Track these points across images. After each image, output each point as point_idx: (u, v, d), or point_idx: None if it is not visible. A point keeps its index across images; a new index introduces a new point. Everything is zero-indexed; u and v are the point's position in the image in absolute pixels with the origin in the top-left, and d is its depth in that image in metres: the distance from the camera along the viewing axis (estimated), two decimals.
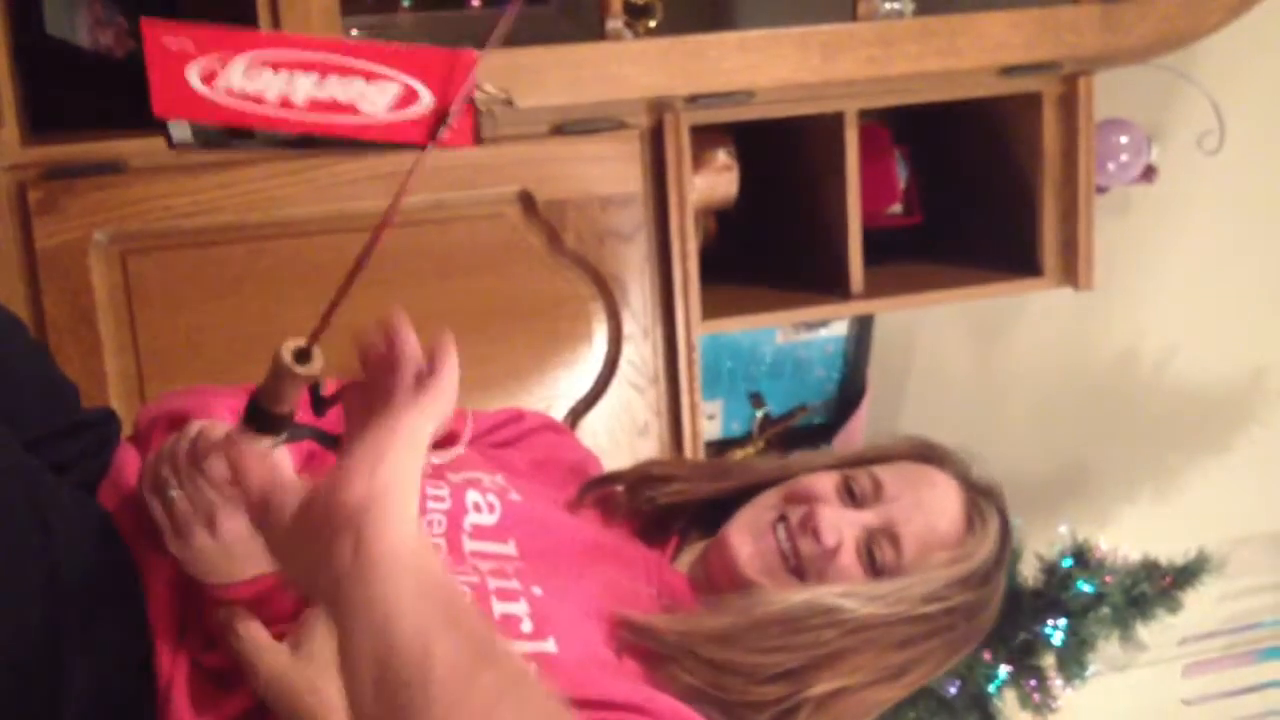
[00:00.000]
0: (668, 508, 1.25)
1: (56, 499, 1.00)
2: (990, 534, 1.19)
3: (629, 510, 1.25)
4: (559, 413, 1.84)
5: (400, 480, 0.75)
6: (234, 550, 0.95)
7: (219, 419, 1.01)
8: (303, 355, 0.88)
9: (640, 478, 1.28)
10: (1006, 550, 1.21)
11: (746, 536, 1.18)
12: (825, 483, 1.19)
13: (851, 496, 1.19)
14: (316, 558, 0.74)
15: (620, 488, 1.27)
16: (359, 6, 1.88)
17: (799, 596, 1.11)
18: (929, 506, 1.18)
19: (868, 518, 1.17)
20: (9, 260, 1.59)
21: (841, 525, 1.16)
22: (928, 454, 1.25)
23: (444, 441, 1.28)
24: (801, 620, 1.09)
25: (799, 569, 1.16)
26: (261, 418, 0.91)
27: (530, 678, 0.72)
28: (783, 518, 1.18)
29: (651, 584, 1.17)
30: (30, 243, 1.59)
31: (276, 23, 1.60)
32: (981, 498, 1.22)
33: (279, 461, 0.88)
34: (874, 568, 1.15)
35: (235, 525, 0.94)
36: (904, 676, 1.15)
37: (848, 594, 1.11)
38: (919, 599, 1.13)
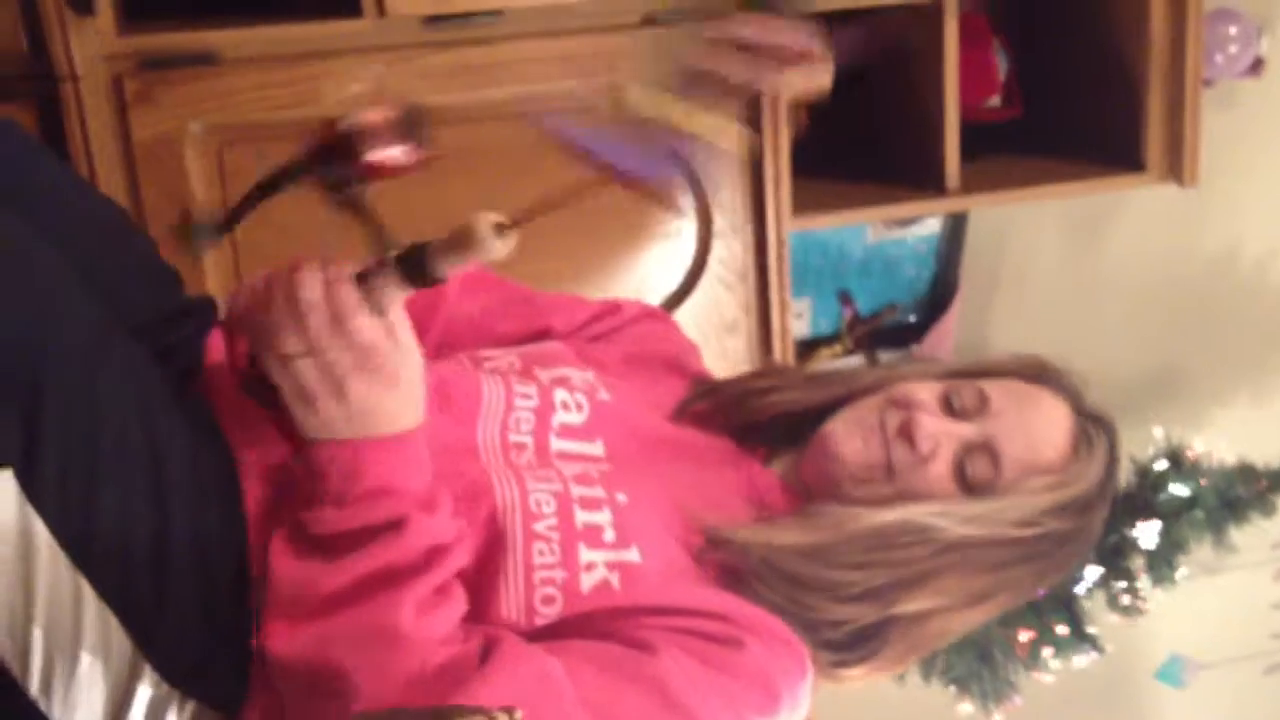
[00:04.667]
0: (767, 417, 1.23)
1: (165, 400, 1.00)
2: (1095, 463, 1.14)
3: (728, 417, 1.23)
4: None
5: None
6: (363, 417, 0.92)
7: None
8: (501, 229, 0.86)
9: (742, 390, 1.26)
10: (1111, 482, 1.16)
11: (848, 432, 1.16)
12: (927, 391, 1.16)
13: (952, 409, 1.15)
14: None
15: (720, 397, 1.25)
16: None
17: (892, 514, 1.09)
18: (1033, 427, 1.14)
19: (967, 431, 1.14)
20: (108, 151, 1.60)
21: (940, 435, 1.13)
22: (1040, 374, 1.20)
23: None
24: (892, 537, 1.08)
25: (891, 473, 1.13)
26: (416, 270, 0.89)
27: None
28: (882, 422, 1.15)
29: (742, 486, 1.16)
30: (127, 133, 1.60)
31: None
32: (1091, 425, 1.17)
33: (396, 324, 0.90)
34: (966, 482, 1.12)
35: (364, 388, 0.91)
36: (988, 601, 1.13)
37: (942, 514, 1.09)
38: (1013, 522, 1.10)
